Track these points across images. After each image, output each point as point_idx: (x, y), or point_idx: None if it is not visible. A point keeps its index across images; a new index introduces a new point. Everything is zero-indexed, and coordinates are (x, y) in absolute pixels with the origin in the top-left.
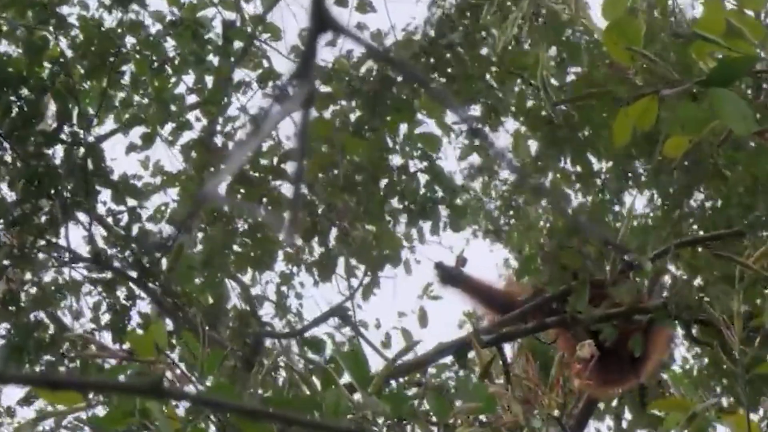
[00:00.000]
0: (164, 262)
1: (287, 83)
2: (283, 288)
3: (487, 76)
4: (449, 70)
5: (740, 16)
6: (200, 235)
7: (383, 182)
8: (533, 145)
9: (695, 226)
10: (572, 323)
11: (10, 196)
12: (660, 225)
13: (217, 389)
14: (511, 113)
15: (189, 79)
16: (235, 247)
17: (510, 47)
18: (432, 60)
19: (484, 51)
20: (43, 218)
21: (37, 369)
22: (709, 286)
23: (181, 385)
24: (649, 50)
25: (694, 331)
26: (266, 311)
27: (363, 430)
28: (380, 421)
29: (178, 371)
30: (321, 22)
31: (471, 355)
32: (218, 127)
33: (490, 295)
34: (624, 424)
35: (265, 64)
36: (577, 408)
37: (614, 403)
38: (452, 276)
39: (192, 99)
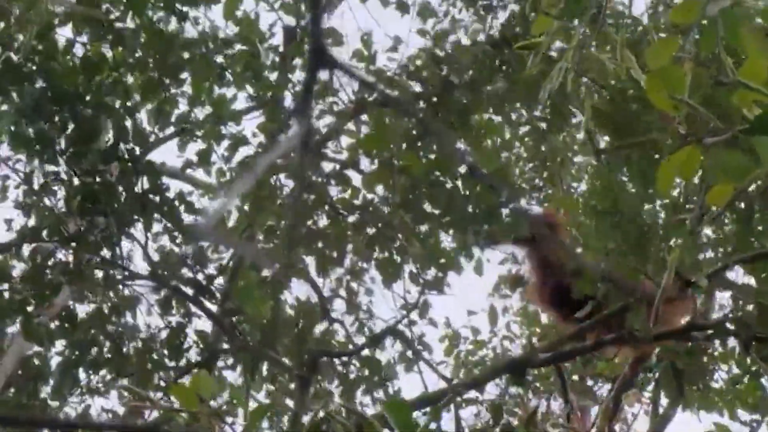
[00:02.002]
0: (221, 279)
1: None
2: (353, 284)
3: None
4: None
5: None
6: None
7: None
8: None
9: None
10: (629, 340)
11: (67, 213)
12: (719, 241)
13: None
14: (577, 112)
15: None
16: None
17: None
18: (496, 62)
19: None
20: (99, 235)
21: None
22: None
23: None
24: (692, 98)
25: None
26: (337, 307)
27: None
28: None
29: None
30: (319, 59)
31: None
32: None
33: None
34: (660, 410)
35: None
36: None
37: (650, 387)
38: None
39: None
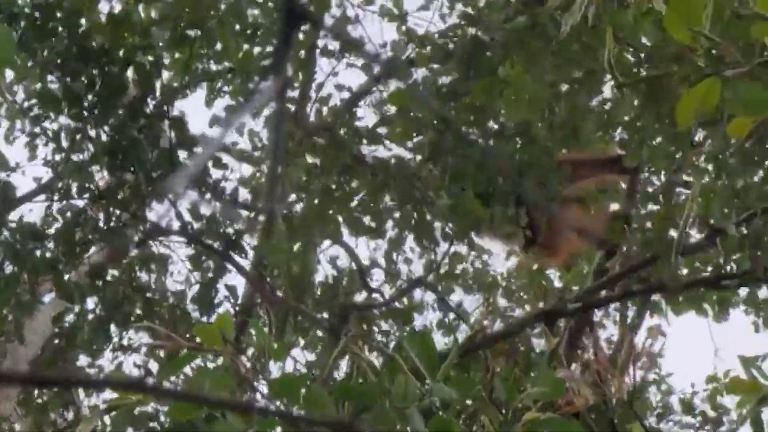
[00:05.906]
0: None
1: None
2: (393, 254)
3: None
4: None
5: None
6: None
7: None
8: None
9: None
10: (658, 290)
11: (95, 170)
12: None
13: (283, 381)
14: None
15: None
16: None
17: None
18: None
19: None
20: (128, 192)
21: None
22: None
23: (249, 375)
24: (712, 31)
25: None
26: (377, 277)
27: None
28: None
29: (245, 360)
30: (294, 15)
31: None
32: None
33: None
34: None
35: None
36: None
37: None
38: None
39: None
